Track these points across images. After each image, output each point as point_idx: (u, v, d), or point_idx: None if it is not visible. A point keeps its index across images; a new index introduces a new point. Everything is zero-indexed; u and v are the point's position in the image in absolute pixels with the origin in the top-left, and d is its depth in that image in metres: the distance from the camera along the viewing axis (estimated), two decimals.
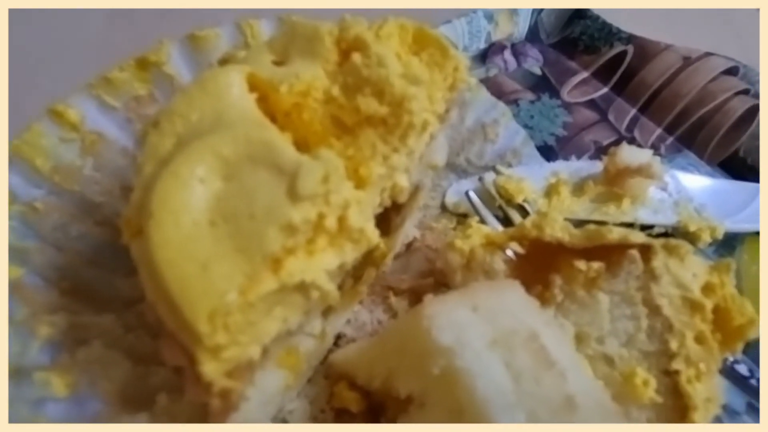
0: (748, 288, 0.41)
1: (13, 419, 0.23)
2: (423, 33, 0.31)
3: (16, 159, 0.32)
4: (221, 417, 0.23)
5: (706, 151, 0.50)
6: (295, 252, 0.23)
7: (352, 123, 0.27)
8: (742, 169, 0.48)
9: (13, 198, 0.31)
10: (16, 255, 0.30)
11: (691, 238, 0.42)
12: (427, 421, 0.26)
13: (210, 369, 0.21)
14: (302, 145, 0.26)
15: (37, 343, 0.26)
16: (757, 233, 0.43)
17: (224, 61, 0.31)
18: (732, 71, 0.51)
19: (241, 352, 0.22)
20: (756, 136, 0.48)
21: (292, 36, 0.29)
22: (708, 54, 0.52)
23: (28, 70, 0.48)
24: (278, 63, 0.28)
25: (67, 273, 0.30)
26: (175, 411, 0.27)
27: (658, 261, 0.29)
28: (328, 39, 0.28)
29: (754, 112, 0.49)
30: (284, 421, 0.31)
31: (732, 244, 0.43)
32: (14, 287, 0.28)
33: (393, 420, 0.29)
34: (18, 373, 0.25)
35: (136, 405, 0.26)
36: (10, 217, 0.31)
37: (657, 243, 0.30)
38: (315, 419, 0.31)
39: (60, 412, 0.25)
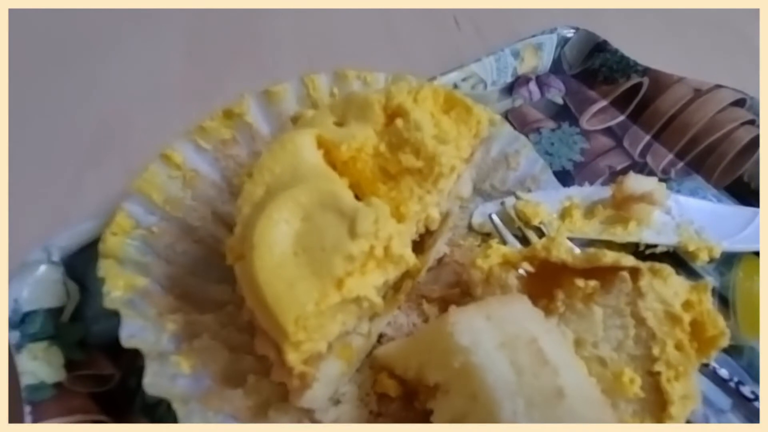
0: (741, 301, 0.44)
1: (155, 389, 0.30)
2: (451, 96, 0.38)
3: (138, 194, 0.40)
4: (299, 393, 0.31)
5: (713, 176, 0.53)
6: (353, 274, 0.30)
7: (395, 172, 0.35)
8: (746, 193, 0.52)
9: (136, 224, 0.39)
10: (140, 268, 0.37)
11: (690, 256, 0.46)
12: (450, 404, 0.30)
13: (292, 358, 0.29)
14: (356, 188, 0.34)
15: (165, 335, 0.33)
16: (753, 253, 0.47)
17: (295, 119, 0.39)
18: (739, 103, 0.54)
19: (314, 346, 0.29)
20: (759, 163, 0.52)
21: (349, 103, 0.36)
22: (718, 86, 0.55)
23: (128, 112, 0.58)
24: (338, 124, 0.36)
25: (176, 282, 0.37)
26: (260, 388, 0.33)
27: (645, 281, 0.33)
28: (377, 106, 0.35)
29: (758, 141, 0.52)
30: (338, 401, 0.35)
31: (730, 262, 0.46)
32: (144, 293, 0.35)
33: (424, 403, 0.33)
34: (160, 356, 0.31)
35: (234, 382, 0.33)
36: (135, 239, 0.38)
37: (644, 266, 0.33)
38: (361, 400, 0.35)
39: (186, 385, 0.31)
